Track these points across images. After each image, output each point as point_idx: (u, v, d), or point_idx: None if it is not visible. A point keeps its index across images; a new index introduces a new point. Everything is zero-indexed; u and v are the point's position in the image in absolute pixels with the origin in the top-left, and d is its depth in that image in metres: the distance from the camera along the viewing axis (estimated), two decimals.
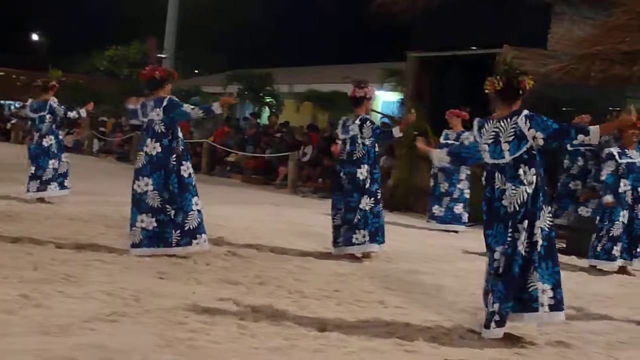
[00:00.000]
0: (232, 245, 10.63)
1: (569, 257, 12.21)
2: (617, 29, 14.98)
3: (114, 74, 40.42)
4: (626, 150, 11.16)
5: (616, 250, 11.11)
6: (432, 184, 15.20)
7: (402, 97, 20.13)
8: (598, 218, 11.48)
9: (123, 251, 9.42)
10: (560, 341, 6.87)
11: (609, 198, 11.11)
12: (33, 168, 13.56)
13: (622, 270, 11.19)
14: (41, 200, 13.44)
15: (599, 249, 11.25)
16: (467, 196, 14.67)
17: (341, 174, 10.54)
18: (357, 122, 10.49)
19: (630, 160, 11.11)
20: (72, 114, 13.78)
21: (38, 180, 13.52)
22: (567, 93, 15.32)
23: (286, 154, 21.53)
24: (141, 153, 9.60)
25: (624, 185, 11.10)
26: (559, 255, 12.16)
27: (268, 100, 29.14)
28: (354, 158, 10.45)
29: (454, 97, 16.48)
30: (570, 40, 16.39)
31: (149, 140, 9.57)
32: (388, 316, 7.32)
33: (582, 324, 7.67)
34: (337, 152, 11.00)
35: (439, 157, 7.49)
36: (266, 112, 28.89)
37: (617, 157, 11.12)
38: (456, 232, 14.45)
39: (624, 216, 11.12)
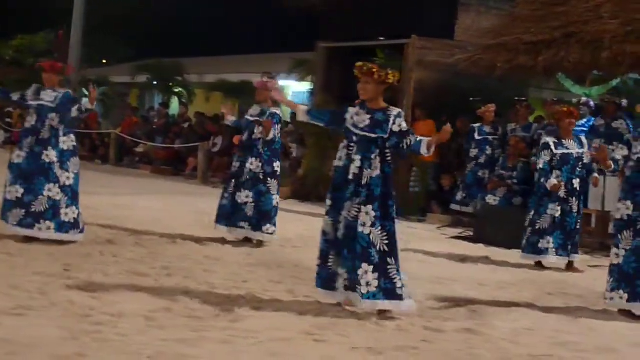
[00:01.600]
0: (140, 237, 10.55)
1: (476, 245, 12.37)
2: (522, 20, 15.22)
3: (20, 63, 39.65)
4: (563, 141, 10.78)
5: (543, 243, 10.76)
6: None
7: (311, 87, 20.16)
8: (532, 211, 11.02)
9: (30, 242, 9.29)
10: (467, 328, 6.94)
11: (553, 181, 10.87)
12: None
13: (569, 266, 10.82)
14: None
15: (524, 242, 10.96)
16: None
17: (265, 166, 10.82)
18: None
19: (566, 151, 10.73)
20: None
21: None
22: (474, 83, 15.54)
23: (196, 144, 21.43)
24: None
25: (557, 177, 10.70)
26: (467, 243, 12.46)
27: (178, 90, 28.93)
28: (278, 152, 11.01)
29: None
30: (476, 31, 16.62)
31: None
32: (297, 306, 7.33)
33: (488, 311, 7.77)
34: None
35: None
36: (176, 102, 28.67)
37: (552, 147, 10.75)
38: None
39: (553, 209, 10.73)
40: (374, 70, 7.26)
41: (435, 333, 6.73)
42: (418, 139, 7.28)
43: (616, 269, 7.95)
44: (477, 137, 14.55)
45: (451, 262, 10.82)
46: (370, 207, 7.08)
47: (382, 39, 17.31)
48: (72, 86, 20.87)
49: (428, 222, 14.96)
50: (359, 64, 7.33)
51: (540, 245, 10.81)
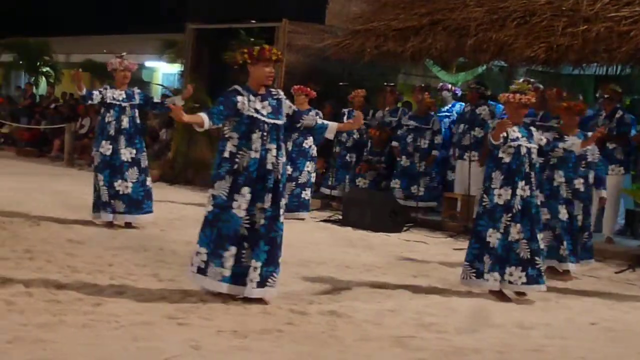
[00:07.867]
0: (2, 219, 10.31)
1: (344, 228, 12.43)
2: (391, 6, 15.35)
3: None
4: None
5: None
6: None
7: (181, 69, 19.97)
8: None
9: None
10: (332, 310, 6.99)
11: None
12: None
13: None
14: None
15: None
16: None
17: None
18: None
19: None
20: None
21: None
22: (343, 68, 15.63)
23: (62, 125, 21.03)
24: None
25: None
26: (335, 226, 12.52)
27: (45, 70, 28.34)
28: None
29: (234, 70, 16.47)
30: (346, 16, 16.71)
31: None
32: (162, 290, 7.27)
33: (353, 293, 7.85)
34: None
35: None
36: (43, 82, 28.10)
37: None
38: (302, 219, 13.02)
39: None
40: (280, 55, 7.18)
41: (299, 316, 6.75)
42: (324, 122, 7.39)
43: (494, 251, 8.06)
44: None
45: (318, 245, 10.85)
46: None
47: (253, 21, 17.25)
48: None
49: None
50: (267, 47, 7.14)
51: None
